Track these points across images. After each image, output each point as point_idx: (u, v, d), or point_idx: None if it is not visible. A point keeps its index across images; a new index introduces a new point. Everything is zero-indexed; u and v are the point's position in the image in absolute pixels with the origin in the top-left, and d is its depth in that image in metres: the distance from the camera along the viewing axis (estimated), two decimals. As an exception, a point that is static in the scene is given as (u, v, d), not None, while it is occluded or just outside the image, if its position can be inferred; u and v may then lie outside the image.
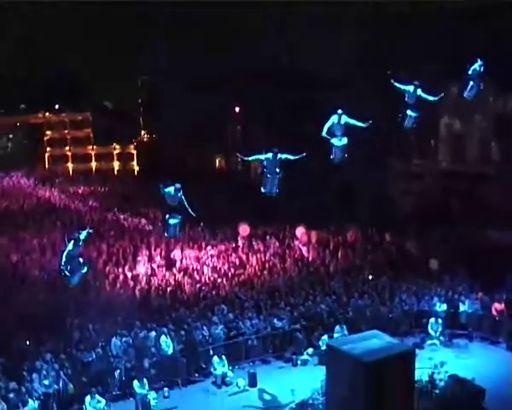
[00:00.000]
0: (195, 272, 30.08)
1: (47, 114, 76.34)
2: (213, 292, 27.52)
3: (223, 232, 36.58)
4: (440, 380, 19.27)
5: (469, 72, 21.95)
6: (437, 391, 18.96)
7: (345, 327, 23.48)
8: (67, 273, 17.72)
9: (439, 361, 20.34)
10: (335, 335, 23.06)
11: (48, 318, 23.01)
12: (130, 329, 22.59)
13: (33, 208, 48.55)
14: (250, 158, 20.90)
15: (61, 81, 68.52)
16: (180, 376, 21.77)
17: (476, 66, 21.89)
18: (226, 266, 31.01)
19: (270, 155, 19.73)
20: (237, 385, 21.41)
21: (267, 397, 20.48)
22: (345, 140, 20.38)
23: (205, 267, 30.77)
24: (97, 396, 19.29)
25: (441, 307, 24.61)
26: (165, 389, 21.07)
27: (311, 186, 43.96)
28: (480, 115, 41.47)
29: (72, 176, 70.98)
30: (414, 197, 37.83)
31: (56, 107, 76.51)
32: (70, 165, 75.18)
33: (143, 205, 46.55)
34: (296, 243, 34.35)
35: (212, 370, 21.90)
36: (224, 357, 21.95)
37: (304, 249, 33.39)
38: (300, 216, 36.20)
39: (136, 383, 20.04)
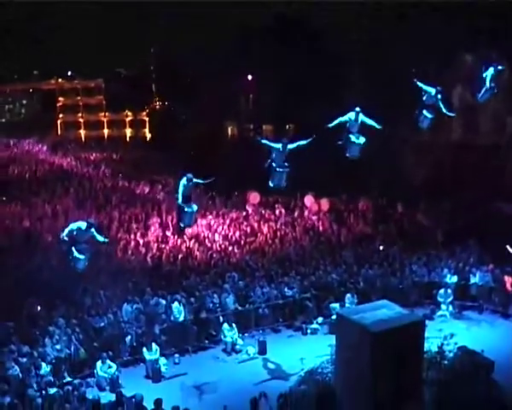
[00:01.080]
0: (206, 240, 30.12)
1: (59, 80, 76.32)
2: (224, 260, 27.58)
3: (234, 200, 36.56)
4: (449, 351, 19.28)
5: (484, 76, 21.66)
6: (446, 362, 18.99)
7: (355, 297, 23.56)
8: (77, 256, 17.82)
9: (448, 333, 20.28)
10: (345, 304, 23.12)
11: (60, 283, 23.12)
12: (142, 295, 22.74)
13: (46, 174, 48.66)
14: (263, 141, 20.49)
15: (74, 47, 68.27)
16: (190, 343, 21.94)
17: (491, 70, 21.60)
18: (237, 234, 31.04)
19: (279, 145, 19.52)
20: (247, 353, 21.55)
21: (276, 365, 20.58)
22: (362, 139, 20.34)
23: (216, 235, 30.82)
24: (108, 361, 19.49)
25: (452, 279, 24.58)
26: (176, 355, 21.23)
27: (323, 155, 43.84)
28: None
29: (84, 142, 71.03)
30: (426, 168, 37.58)
31: (69, 73, 76.48)
32: (82, 131, 75.22)
33: (155, 172, 46.61)
34: (306, 212, 34.26)
35: (222, 337, 22.02)
36: (234, 325, 22.07)
37: (314, 218, 33.36)
38: (312, 185, 36.11)
39: (146, 349, 20.23)
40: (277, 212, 34.31)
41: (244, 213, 34.21)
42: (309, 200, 35.17)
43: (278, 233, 31.16)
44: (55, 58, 69.12)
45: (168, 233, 31.20)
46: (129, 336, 21.09)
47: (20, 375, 17.81)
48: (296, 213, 34.13)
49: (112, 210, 34.82)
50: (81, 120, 75.71)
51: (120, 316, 21.57)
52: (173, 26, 61.69)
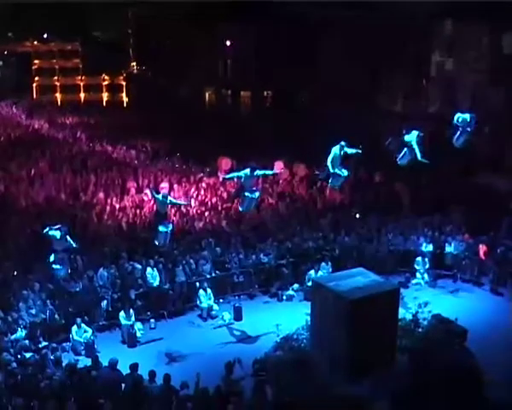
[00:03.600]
0: (182, 206, 29.95)
1: (35, 42, 75.30)
2: (201, 225, 27.49)
3: (210, 166, 36.41)
4: (424, 319, 19.52)
5: (455, 121, 21.97)
6: (420, 330, 19.21)
7: (330, 264, 23.65)
8: (55, 266, 18.81)
9: (423, 301, 20.53)
10: (321, 272, 23.21)
11: (34, 248, 23.00)
12: (117, 260, 22.66)
13: (21, 138, 48.19)
14: (228, 176, 21.93)
15: (50, 10, 67.32)
16: (166, 308, 21.96)
17: (466, 116, 21.89)
18: (214, 200, 30.92)
19: (247, 170, 19.77)
20: (222, 319, 21.56)
21: (252, 331, 20.65)
22: (346, 172, 21.03)
23: (192, 200, 30.68)
24: (84, 326, 19.45)
25: (427, 248, 24.72)
26: (152, 320, 21.22)
27: (299, 122, 43.84)
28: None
29: (60, 106, 70.31)
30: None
31: (45, 36, 75.44)
32: (58, 95, 74.42)
33: (132, 136, 46.33)
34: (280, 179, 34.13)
35: (197, 303, 22.06)
36: (209, 291, 22.07)
37: (291, 185, 33.37)
38: (287, 151, 36.10)
39: (122, 314, 20.21)
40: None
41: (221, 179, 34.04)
42: (278, 166, 35.08)
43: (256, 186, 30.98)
44: (30, 20, 68.19)
45: (145, 198, 31.05)
46: (104, 301, 21.05)
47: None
48: (272, 180, 33.96)
49: (88, 175, 34.57)
50: (57, 83, 74.86)
51: (96, 281, 21.47)
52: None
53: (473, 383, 14.60)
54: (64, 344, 19.35)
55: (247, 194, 19.92)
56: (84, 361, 17.91)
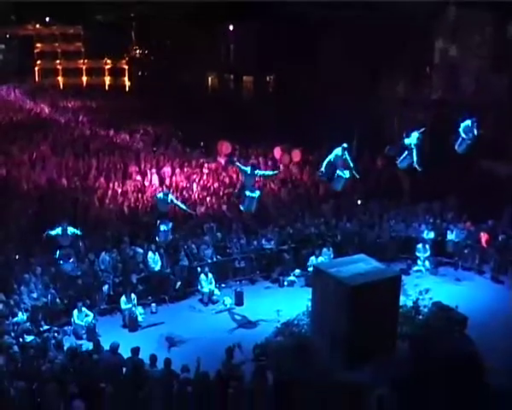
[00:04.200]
0: (185, 191, 29.99)
1: (37, 26, 75.13)
2: (202, 210, 27.52)
3: (213, 151, 36.40)
4: (424, 306, 19.51)
5: (460, 128, 22.38)
6: (420, 317, 19.23)
7: (332, 250, 23.67)
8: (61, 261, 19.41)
9: (423, 288, 20.55)
10: (322, 257, 23.23)
11: (36, 232, 23.03)
12: (119, 244, 22.70)
13: (23, 122, 48.22)
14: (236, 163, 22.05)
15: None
16: (167, 293, 22.00)
17: (468, 123, 22.31)
18: (216, 185, 30.94)
19: (248, 168, 20.39)
20: (224, 304, 21.61)
21: (253, 316, 20.68)
22: (347, 173, 21.10)
23: (194, 185, 30.71)
24: (85, 310, 19.50)
25: (429, 235, 24.73)
26: (153, 305, 21.28)
27: (302, 107, 43.68)
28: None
29: (62, 90, 70.26)
30: (407, 124, 37.52)
31: (47, 19, 75.26)
32: (60, 78, 74.34)
33: (134, 121, 46.33)
34: (281, 164, 34.12)
35: (199, 288, 22.09)
36: (211, 275, 22.10)
37: (292, 170, 33.37)
38: (289, 136, 36.02)
39: (123, 298, 20.26)
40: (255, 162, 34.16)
41: (223, 164, 34.05)
42: (277, 152, 35.09)
43: (256, 185, 30.98)
44: (33, 3, 67.98)
45: (146, 183, 31.08)
46: (106, 285, 21.09)
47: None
48: (273, 165, 33.97)
49: (90, 158, 34.59)
50: (59, 67, 74.77)
51: (97, 265, 21.51)
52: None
53: (473, 370, 14.64)
54: (65, 328, 19.42)
55: (247, 193, 20.25)
56: (85, 345, 17.94)
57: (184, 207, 21.58)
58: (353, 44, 41.96)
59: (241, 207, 21.05)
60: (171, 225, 20.34)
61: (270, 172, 23.59)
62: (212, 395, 14.74)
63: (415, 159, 21.68)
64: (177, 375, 15.11)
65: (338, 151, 20.86)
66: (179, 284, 22.09)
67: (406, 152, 21.81)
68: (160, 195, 20.57)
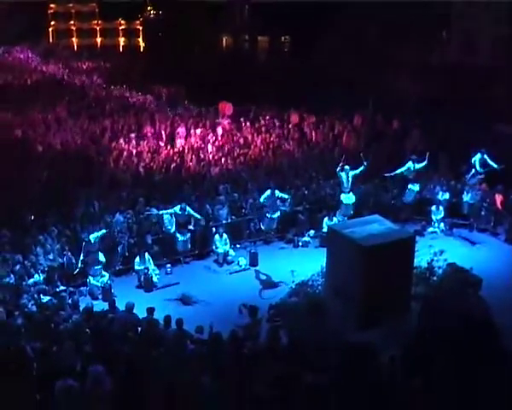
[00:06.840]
0: (200, 151, 29.95)
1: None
2: (217, 171, 27.49)
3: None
4: (439, 268, 19.50)
5: (472, 161, 24.31)
6: (435, 278, 19.23)
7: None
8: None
9: (438, 249, 20.47)
10: (337, 218, 23.20)
11: (52, 193, 23.13)
12: (134, 205, 22.76)
13: (37, 83, 48.18)
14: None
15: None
16: (182, 253, 22.10)
17: (478, 156, 24.25)
18: (231, 146, 30.88)
19: (268, 192, 22.64)
20: (238, 264, 21.72)
21: (267, 277, 20.77)
22: (353, 198, 23.18)
23: (209, 146, 30.65)
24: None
25: (444, 196, 24.60)
26: (168, 265, 21.39)
27: (317, 73, 43.42)
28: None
29: (76, 51, 70.07)
30: (421, 86, 37.20)
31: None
32: (74, 39, 74.11)
33: (148, 81, 46.18)
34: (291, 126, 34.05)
35: (214, 248, 22.16)
36: (226, 236, 22.15)
37: (307, 132, 33.23)
38: (305, 100, 35.85)
39: (137, 259, 20.37)
40: (269, 124, 34.08)
41: (237, 125, 33.93)
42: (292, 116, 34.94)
43: (271, 145, 30.96)
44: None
45: (161, 143, 31.05)
46: (121, 246, 21.19)
47: (15, 283, 17.92)
48: (288, 126, 33.88)
49: (104, 119, 34.58)
50: (73, 27, 74.47)
51: (112, 225, 21.57)
52: None
53: (487, 332, 14.63)
54: (81, 288, 19.58)
55: (268, 214, 22.96)
56: (101, 305, 18.09)
57: (199, 217, 22.00)
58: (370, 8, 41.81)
59: (262, 227, 23.13)
60: (188, 235, 21.77)
61: (287, 196, 23.71)
62: (225, 355, 14.80)
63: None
64: (191, 335, 15.22)
65: (410, 165, 23.38)
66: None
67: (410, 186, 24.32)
68: (177, 209, 21.47)
